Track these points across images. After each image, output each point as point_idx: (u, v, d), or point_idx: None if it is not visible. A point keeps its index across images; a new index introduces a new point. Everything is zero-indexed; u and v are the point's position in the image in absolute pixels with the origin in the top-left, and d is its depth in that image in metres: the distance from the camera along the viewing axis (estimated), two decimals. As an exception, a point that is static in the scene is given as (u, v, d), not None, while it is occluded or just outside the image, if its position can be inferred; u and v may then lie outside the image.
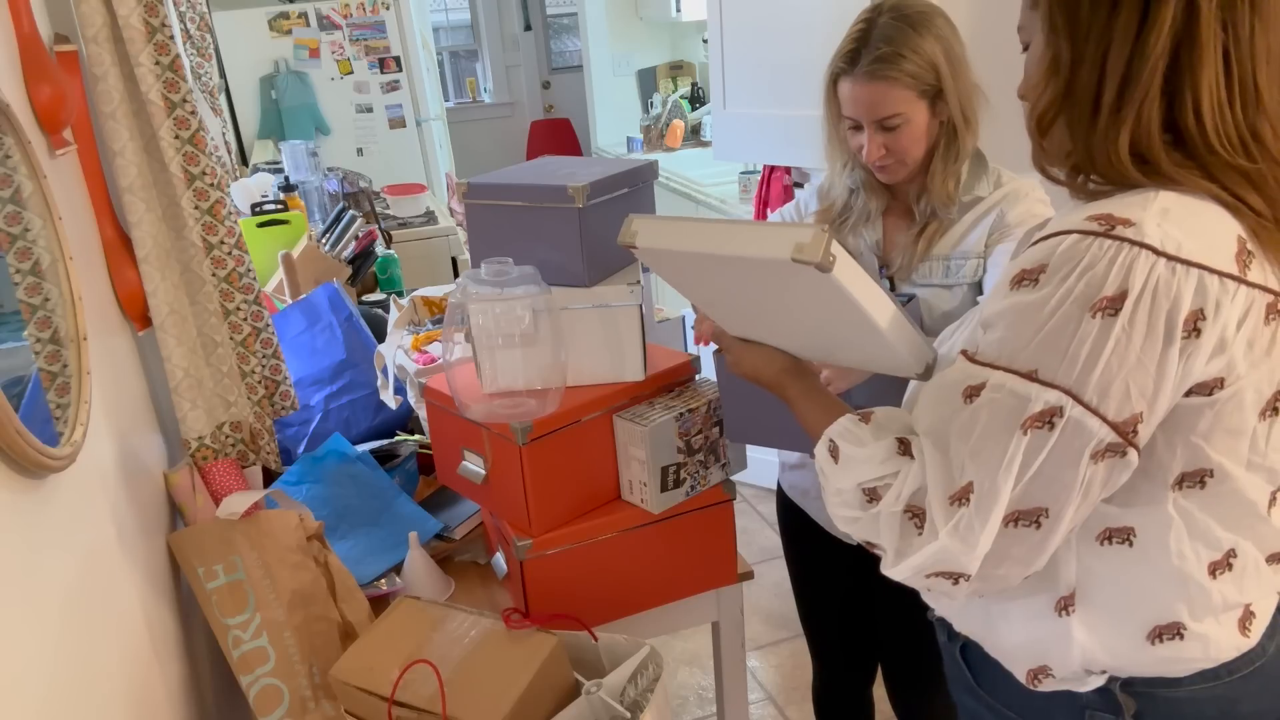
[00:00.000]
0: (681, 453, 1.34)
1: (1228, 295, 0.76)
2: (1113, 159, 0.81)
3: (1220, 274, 0.76)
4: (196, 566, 1.25)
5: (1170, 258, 0.75)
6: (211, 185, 1.33)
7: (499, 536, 1.46)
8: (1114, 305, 0.75)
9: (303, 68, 4.28)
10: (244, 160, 4.11)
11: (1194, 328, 0.76)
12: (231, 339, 1.41)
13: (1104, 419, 0.77)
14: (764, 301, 1.01)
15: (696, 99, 4.89)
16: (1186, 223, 0.77)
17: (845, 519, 0.93)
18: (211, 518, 1.31)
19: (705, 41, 3.89)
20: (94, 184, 1.28)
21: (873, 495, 0.89)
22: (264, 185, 3.08)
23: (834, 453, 0.94)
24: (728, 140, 3.05)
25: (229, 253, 1.37)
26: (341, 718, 1.23)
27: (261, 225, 2.62)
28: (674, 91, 4.96)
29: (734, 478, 1.42)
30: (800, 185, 2.96)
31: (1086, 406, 0.77)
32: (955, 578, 0.85)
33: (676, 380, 1.41)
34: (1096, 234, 0.77)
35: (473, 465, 1.39)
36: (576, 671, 1.21)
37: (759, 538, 3.16)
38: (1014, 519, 0.81)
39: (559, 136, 7.17)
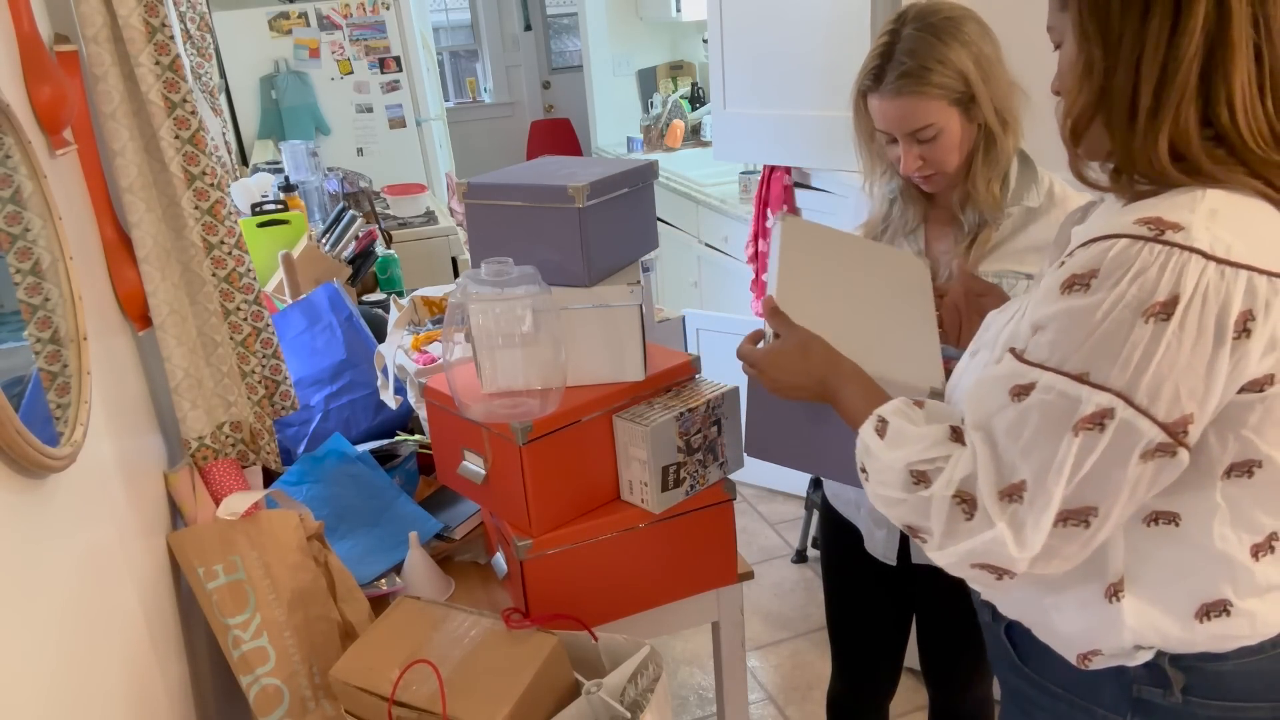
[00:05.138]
0: (681, 452, 1.34)
1: (1277, 294, 0.77)
2: (1153, 161, 0.82)
3: (1269, 274, 0.77)
4: (196, 566, 1.25)
5: (1220, 261, 0.76)
6: (211, 185, 1.33)
7: (499, 536, 1.46)
8: (1166, 310, 0.77)
9: (303, 68, 4.28)
10: (244, 160, 4.11)
11: (1244, 328, 0.77)
12: (231, 339, 1.42)
13: (1154, 420, 0.79)
14: (867, 289, 1.24)
15: (696, 99, 4.90)
16: (1235, 223, 0.78)
17: (887, 499, 0.93)
18: (211, 518, 1.31)
19: (705, 41, 3.89)
20: (94, 184, 1.28)
21: (920, 478, 0.90)
22: (264, 185, 3.08)
23: (881, 430, 0.95)
24: (728, 140, 3.05)
25: (229, 253, 1.37)
26: (341, 718, 1.23)
27: (261, 225, 2.62)
28: (674, 91, 4.96)
29: (734, 477, 1.42)
30: (801, 185, 2.96)
31: (1137, 408, 0.79)
32: (1000, 573, 0.86)
33: (676, 380, 1.41)
34: (1146, 239, 0.78)
35: (473, 465, 1.39)
36: (576, 671, 1.21)
37: (759, 538, 3.16)
38: (1064, 518, 0.83)
39: (559, 136, 7.17)
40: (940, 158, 1.36)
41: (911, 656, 1.76)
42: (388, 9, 4.31)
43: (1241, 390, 0.81)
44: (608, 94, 5.15)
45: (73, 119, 1.18)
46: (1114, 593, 0.91)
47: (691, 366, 1.43)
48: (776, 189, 3.00)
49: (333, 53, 4.31)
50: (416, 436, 1.81)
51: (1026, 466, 0.83)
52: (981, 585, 0.90)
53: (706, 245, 3.77)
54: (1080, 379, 0.80)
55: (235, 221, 1.38)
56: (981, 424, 0.88)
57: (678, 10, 4.53)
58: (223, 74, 3.95)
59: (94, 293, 1.20)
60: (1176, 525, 0.88)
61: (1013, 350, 0.87)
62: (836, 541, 1.68)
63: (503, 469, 1.33)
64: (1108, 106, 0.84)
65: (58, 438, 0.93)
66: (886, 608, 1.67)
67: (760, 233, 3.11)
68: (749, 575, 1.49)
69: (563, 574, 1.34)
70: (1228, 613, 0.89)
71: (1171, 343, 0.77)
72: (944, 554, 0.89)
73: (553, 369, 1.30)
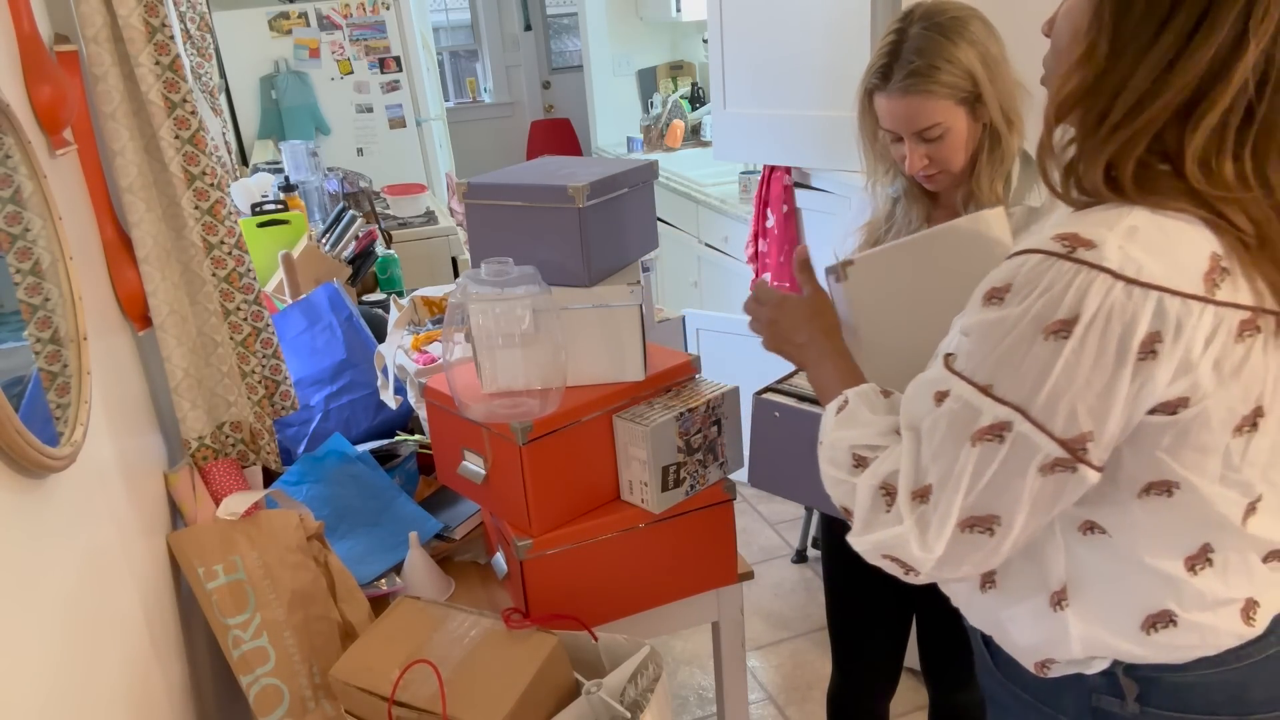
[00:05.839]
0: (681, 452, 1.34)
1: (1191, 316, 0.76)
2: (1092, 172, 0.82)
3: (1183, 295, 0.76)
4: (196, 566, 1.25)
5: (1129, 281, 0.76)
6: (211, 185, 1.33)
7: (499, 536, 1.46)
8: (1066, 328, 0.77)
9: (303, 68, 4.28)
10: (244, 160, 4.11)
11: (1150, 350, 0.77)
12: (231, 339, 1.42)
13: (1051, 435, 0.80)
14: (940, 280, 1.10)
15: (696, 99, 4.89)
16: (1154, 243, 0.77)
17: (830, 479, 0.96)
18: (211, 518, 1.31)
19: (705, 41, 3.89)
20: (94, 184, 1.28)
21: (860, 462, 0.93)
22: (264, 185, 3.07)
23: (842, 408, 0.98)
24: (728, 140, 3.05)
25: (229, 253, 1.37)
26: (341, 718, 1.23)
27: (261, 225, 2.62)
28: (674, 91, 4.96)
29: (734, 477, 1.42)
30: (801, 185, 2.96)
31: (1034, 423, 0.80)
32: (906, 569, 0.89)
33: (676, 380, 1.41)
34: (1059, 255, 0.78)
35: (473, 465, 1.39)
36: (576, 671, 1.21)
37: (759, 538, 3.16)
38: (969, 525, 0.84)
39: (559, 136, 7.16)
40: (946, 157, 1.36)
41: (911, 656, 1.76)
42: (388, 9, 4.31)
43: (1153, 411, 0.80)
44: (608, 94, 5.14)
45: (73, 119, 1.18)
46: (1058, 601, 0.91)
47: (691, 366, 1.43)
48: (776, 189, 3.00)
49: (333, 53, 4.31)
50: (416, 436, 1.81)
51: (934, 471, 0.85)
52: (896, 576, 0.92)
53: (706, 245, 3.77)
54: (985, 391, 0.82)
55: (235, 221, 1.38)
56: (912, 424, 0.90)
57: (678, 10, 4.53)
58: (223, 74, 3.95)
59: (94, 293, 1.20)
60: (1108, 536, 0.88)
61: (946, 355, 0.88)
62: (837, 540, 1.68)
63: (503, 469, 1.33)
64: (1091, 101, 0.83)
65: (58, 438, 0.93)
66: (887, 606, 1.67)
67: (760, 233, 3.11)
68: (749, 575, 1.49)
69: (563, 574, 1.34)
70: (1174, 623, 0.88)
71: (1069, 361, 0.77)
72: (860, 540, 0.91)
73: (553, 369, 1.30)
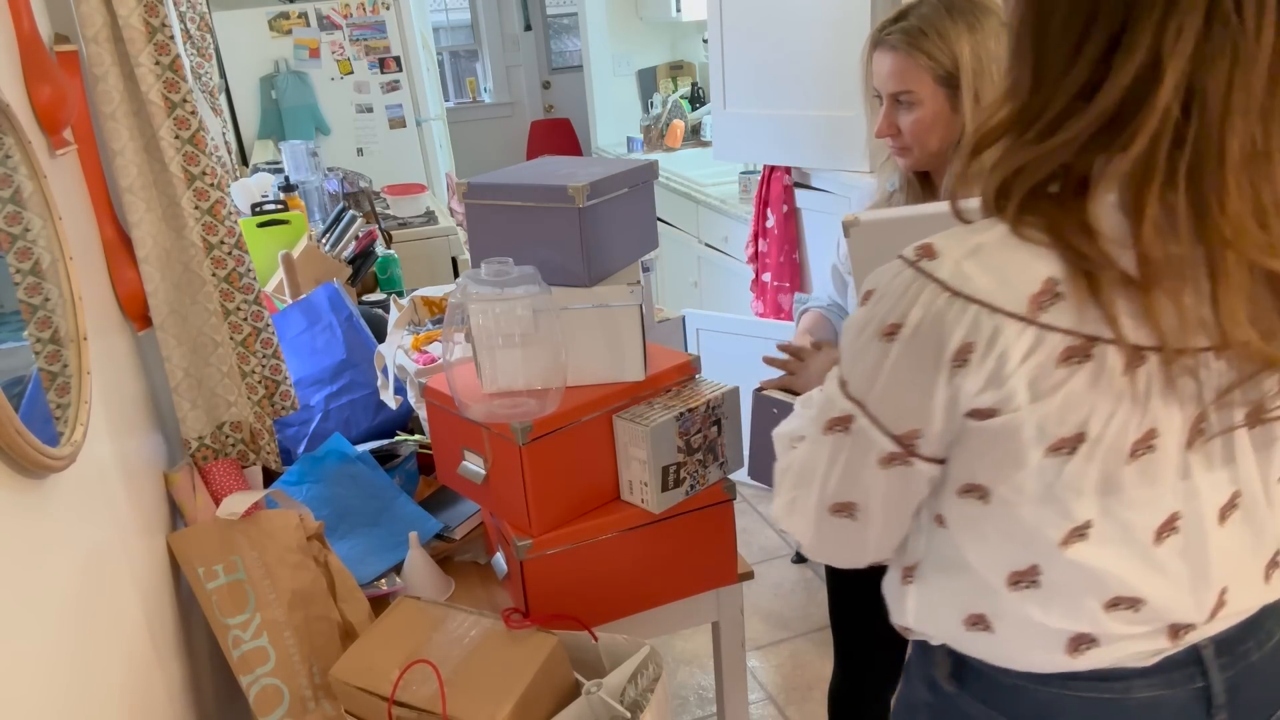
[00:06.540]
0: (681, 452, 1.34)
1: (1006, 332, 0.77)
2: (989, 186, 0.81)
3: (1003, 312, 0.77)
4: (196, 566, 1.25)
5: (953, 293, 0.78)
6: (211, 185, 1.33)
7: (499, 536, 1.46)
8: (895, 331, 0.81)
9: (303, 68, 4.28)
10: (244, 160, 4.11)
11: (964, 359, 0.79)
12: (231, 339, 1.42)
13: (884, 430, 0.85)
14: None
15: (696, 99, 4.89)
16: (992, 260, 0.78)
17: (776, 467, 1.04)
18: (211, 518, 1.31)
19: (705, 41, 3.89)
20: (94, 184, 1.28)
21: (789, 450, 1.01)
22: (264, 185, 3.08)
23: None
24: (728, 140, 3.05)
25: (229, 253, 1.37)
26: (341, 718, 1.23)
27: (261, 225, 2.62)
28: (674, 91, 4.96)
29: (734, 477, 1.42)
30: (801, 185, 2.96)
31: (870, 417, 0.85)
32: (799, 542, 0.97)
33: (676, 380, 1.41)
34: (909, 263, 0.82)
35: (473, 465, 1.39)
36: (576, 671, 1.21)
37: (759, 538, 3.16)
38: (835, 510, 0.91)
39: (559, 136, 7.17)
40: (914, 131, 1.36)
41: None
42: (388, 9, 4.31)
43: (969, 415, 0.82)
44: (608, 94, 5.14)
45: (73, 119, 1.18)
46: (906, 576, 0.96)
47: (691, 366, 1.43)
48: (776, 189, 3.00)
49: (333, 53, 4.31)
50: (416, 436, 1.81)
51: (806, 455, 0.93)
52: (797, 548, 1.00)
53: (706, 245, 3.77)
54: (842, 385, 0.87)
55: (235, 221, 1.38)
56: None
57: (678, 10, 4.53)
58: (223, 74, 3.95)
59: (94, 293, 1.20)
60: (947, 530, 0.91)
61: None
62: None
63: (503, 469, 1.33)
64: (1015, 131, 0.81)
65: (58, 438, 0.93)
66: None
67: (760, 233, 3.11)
68: (749, 575, 1.49)
69: (563, 574, 1.34)
70: (990, 630, 0.89)
71: (895, 362, 0.82)
72: (773, 512, 1.00)
73: (553, 369, 1.30)
